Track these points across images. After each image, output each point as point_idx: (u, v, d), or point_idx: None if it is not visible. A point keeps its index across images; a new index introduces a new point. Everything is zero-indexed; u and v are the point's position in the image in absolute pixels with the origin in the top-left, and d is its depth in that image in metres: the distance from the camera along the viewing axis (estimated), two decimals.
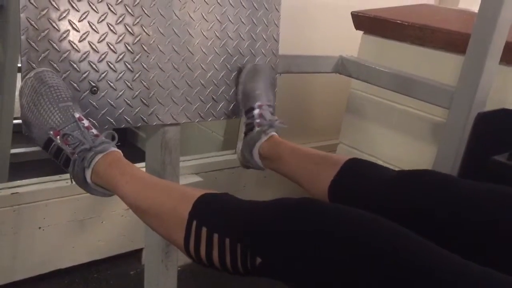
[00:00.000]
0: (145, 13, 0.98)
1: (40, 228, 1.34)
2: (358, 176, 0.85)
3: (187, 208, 0.72)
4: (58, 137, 0.81)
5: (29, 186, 1.32)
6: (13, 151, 1.83)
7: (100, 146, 0.81)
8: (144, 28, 0.98)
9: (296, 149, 0.99)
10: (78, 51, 0.90)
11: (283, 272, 0.63)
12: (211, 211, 0.72)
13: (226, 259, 0.68)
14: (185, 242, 0.71)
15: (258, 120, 1.06)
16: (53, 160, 0.84)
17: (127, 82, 0.96)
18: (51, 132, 0.81)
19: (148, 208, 0.78)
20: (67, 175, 1.37)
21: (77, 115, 0.83)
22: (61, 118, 0.81)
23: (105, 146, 0.82)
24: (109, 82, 0.94)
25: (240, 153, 1.11)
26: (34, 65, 0.85)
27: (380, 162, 1.56)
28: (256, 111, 1.07)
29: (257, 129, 1.06)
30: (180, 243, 0.72)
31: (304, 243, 0.61)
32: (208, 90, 1.10)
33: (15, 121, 1.65)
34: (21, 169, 1.84)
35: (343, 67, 1.51)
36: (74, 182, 0.85)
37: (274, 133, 1.05)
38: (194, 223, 0.70)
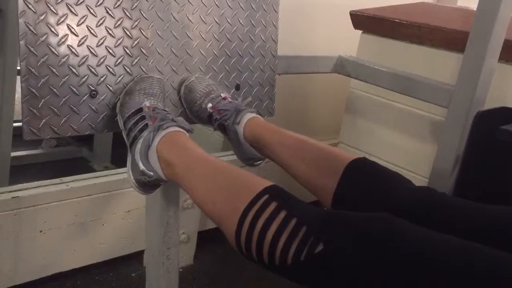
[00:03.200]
0: (143, 16, 0.98)
1: (41, 231, 1.34)
2: (362, 193, 0.81)
3: (263, 184, 0.71)
4: (149, 109, 0.89)
5: (29, 189, 1.32)
6: (14, 154, 1.83)
7: (180, 122, 0.87)
8: (143, 31, 0.98)
9: (283, 141, 0.93)
10: (77, 55, 0.90)
11: (341, 269, 0.61)
12: (288, 194, 0.70)
13: (281, 238, 0.64)
14: (246, 207, 0.68)
15: (222, 116, 0.99)
16: (128, 126, 0.89)
17: (126, 86, 0.96)
18: (147, 104, 0.90)
19: (220, 173, 0.77)
20: (68, 178, 1.39)
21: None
22: (159, 106, 0.91)
23: (184, 124, 0.87)
24: (108, 86, 0.94)
25: (234, 150, 1.04)
26: (33, 70, 0.85)
27: (380, 161, 1.56)
28: (215, 114, 1.00)
29: (227, 123, 0.99)
30: (237, 206, 0.69)
31: (379, 251, 0.59)
32: None
33: (15, 124, 1.65)
34: (21, 172, 1.84)
35: (342, 67, 1.51)
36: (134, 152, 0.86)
37: (249, 116, 0.98)
38: (266, 196, 0.68)
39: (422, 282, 0.57)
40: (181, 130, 0.87)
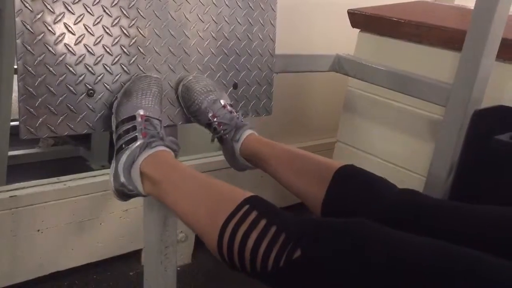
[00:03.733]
0: (141, 15, 0.97)
1: (38, 230, 1.34)
2: (350, 199, 0.84)
3: (244, 195, 0.74)
4: (142, 119, 0.89)
5: (27, 188, 1.32)
6: (11, 153, 1.83)
7: (168, 142, 0.89)
8: (140, 30, 0.98)
9: (275, 154, 0.96)
10: (74, 54, 0.90)
11: (318, 275, 0.63)
12: (268, 204, 0.73)
13: (261, 245, 0.67)
14: (227, 218, 0.71)
15: (221, 130, 1.02)
16: (119, 132, 0.90)
17: (123, 85, 0.96)
18: (141, 112, 0.89)
19: (201, 189, 0.80)
20: (65, 177, 1.39)
21: (161, 118, 0.93)
22: (155, 109, 0.92)
23: (171, 145, 0.89)
24: (106, 85, 0.94)
25: (226, 158, 1.08)
26: (30, 68, 0.85)
27: (378, 160, 1.57)
28: (215, 124, 1.02)
29: (226, 137, 1.02)
30: (218, 219, 0.72)
31: (357, 258, 0.61)
32: None
33: (13, 123, 1.64)
34: (19, 171, 1.84)
35: (340, 65, 1.51)
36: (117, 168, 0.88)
37: (246, 133, 1.01)
38: (246, 206, 0.71)
39: (401, 286, 0.57)
40: (168, 149, 0.88)
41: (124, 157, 0.86)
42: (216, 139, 1.06)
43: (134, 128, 0.88)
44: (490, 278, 0.55)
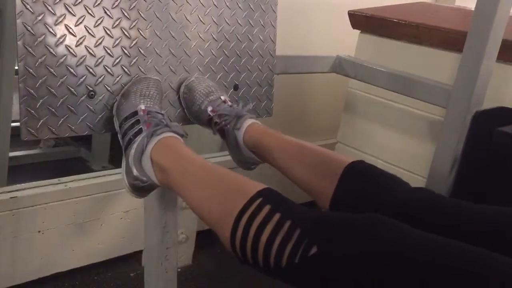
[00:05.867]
0: (142, 16, 0.97)
1: (39, 231, 1.34)
2: (360, 196, 0.82)
3: (256, 187, 0.72)
4: (144, 113, 0.89)
5: (27, 190, 1.32)
6: (12, 154, 1.83)
7: (174, 127, 0.88)
8: (141, 32, 0.98)
9: (281, 146, 0.93)
10: (75, 56, 0.90)
11: (336, 272, 0.61)
12: (282, 197, 0.71)
13: (275, 240, 0.65)
14: (240, 211, 0.69)
15: (222, 121, 0.99)
16: (123, 129, 0.90)
17: (124, 86, 0.96)
18: (142, 107, 0.90)
19: (213, 177, 0.78)
20: (66, 179, 1.39)
21: (163, 111, 0.93)
22: (154, 104, 0.92)
23: (177, 130, 0.88)
24: (106, 86, 0.94)
25: (231, 155, 1.05)
26: (31, 70, 0.85)
27: (378, 161, 1.56)
28: (215, 118, 1.00)
29: (228, 127, 0.99)
30: (231, 212, 0.70)
31: (371, 253, 0.60)
32: None
33: (14, 124, 1.64)
34: (19, 172, 1.84)
35: (341, 66, 1.51)
36: (130, 159, 0.86)
37: (249, 121, 0.99)
38: (260, 199, 0.69)
39: (419, 284, 0.57)
40: (175, 135, 0.87)
41: (133, 151, 0.85)
42: (218, 133, 1.03)
43: (138, 121, 0.88)
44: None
